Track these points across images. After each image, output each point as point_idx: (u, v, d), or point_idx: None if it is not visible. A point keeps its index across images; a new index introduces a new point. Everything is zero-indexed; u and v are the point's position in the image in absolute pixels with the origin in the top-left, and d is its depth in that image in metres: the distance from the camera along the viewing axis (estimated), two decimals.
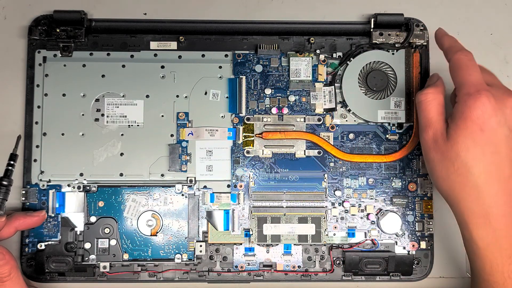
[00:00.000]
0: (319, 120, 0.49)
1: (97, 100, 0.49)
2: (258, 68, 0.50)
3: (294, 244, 0.48)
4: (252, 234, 0.48)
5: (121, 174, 0.48)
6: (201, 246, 0.48)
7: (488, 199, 0.38)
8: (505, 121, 0.38)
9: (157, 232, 0.48)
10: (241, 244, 0.48)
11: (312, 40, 0.50)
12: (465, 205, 0.39)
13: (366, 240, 0.48)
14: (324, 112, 0.50)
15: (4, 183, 0.43)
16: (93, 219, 0.47)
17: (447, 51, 0.44)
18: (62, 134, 0.48)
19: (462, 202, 0.39)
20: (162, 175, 0.48)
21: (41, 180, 0.48)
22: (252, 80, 0.50)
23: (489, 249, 0.38)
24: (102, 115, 0.49)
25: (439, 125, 0.40)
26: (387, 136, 0.49)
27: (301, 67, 0.50)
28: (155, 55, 0.50)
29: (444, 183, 0.40)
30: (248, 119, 0.49)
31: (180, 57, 0.50)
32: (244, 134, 0.49)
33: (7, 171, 0.44)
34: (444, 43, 0.44)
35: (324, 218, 0.48)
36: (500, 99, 0.38)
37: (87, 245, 0.47)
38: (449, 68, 0.43)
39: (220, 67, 0.50)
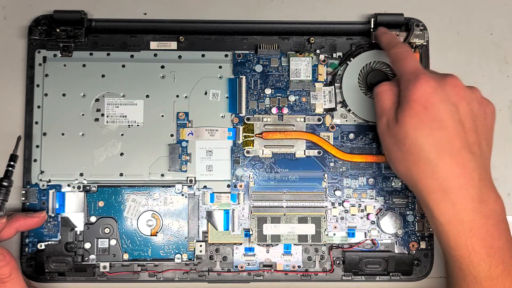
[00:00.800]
0: (319, 120, 0.49)
1: (97, 100, 0.49)
2: (258, 68, 0.50)
3: (294, 244, 0.48)
4: (252, 234, 0.48)
5: (121, 174, 0.48)
6: (201, 246, 0.48)
7: (442, 172, 0.38)
8: (447, 97, 0.39)
9: (157, 232, 0.48)
10: (241, 244, 0.48)
11: (312, 40, 0.50)
12: (422, 182, 0.39)
13: (366, 240, 0.48)
14: (324, 112, 0.50)
15: (5, 184, 0.43)
16: (93, 219, 0.47)
17: (386, 48, 0.46)
18: (62, 134, 0.48)
19: (419, 180, 0.39)
20: (162, 175, 0.48)
21: (41, 180, 0.48)
22: (252, 80, 0.50)
23: (450, 224, 0.38)
24: (102, 115, 0.49)
25: (392, 112, 0.42)
26: None
27: (301, 67, 0.50)
28: (155, 55, 0.50)
29: (400, 165, 0.41)
30: (248, 119, 0.49)
31: (180, 57, 0.50)
32: (244, 134, 0.49)
33: (7, 172, 0.44)
34: (382, 40, 0.47)
35: (324, 218, 0.48)
36: (439, 79, 0.40)
37: (87, 245, 0.47)
38: (390, 63, 0.45)
39: (220, 67, 0.50)
